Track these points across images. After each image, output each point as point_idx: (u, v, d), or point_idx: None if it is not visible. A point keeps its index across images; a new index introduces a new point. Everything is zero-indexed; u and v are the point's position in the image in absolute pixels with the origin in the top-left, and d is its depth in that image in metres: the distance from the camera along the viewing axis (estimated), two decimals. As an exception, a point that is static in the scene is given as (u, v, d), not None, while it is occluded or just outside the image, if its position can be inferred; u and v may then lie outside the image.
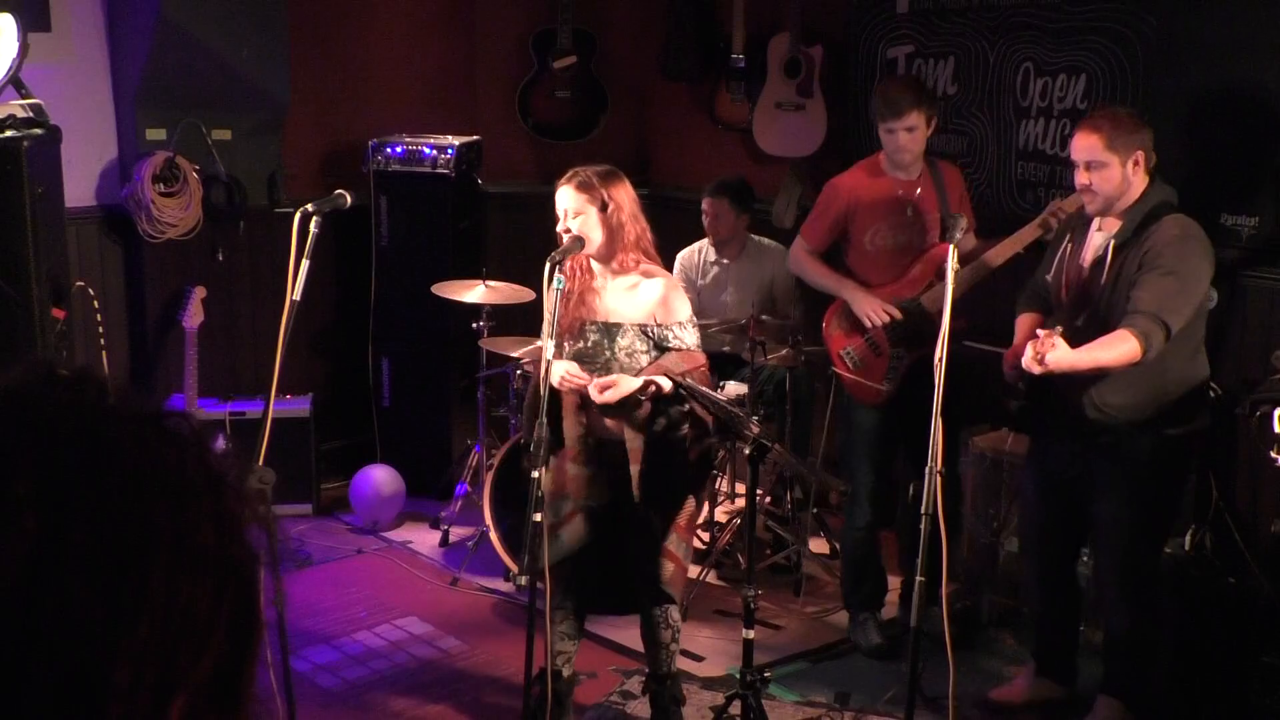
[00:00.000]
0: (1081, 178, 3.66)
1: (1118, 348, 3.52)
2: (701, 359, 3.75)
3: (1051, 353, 3.42)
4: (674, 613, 3.83)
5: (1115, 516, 3.72)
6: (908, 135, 4.23)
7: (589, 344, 3.68)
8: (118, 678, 0.79)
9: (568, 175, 3.72)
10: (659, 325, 3.69)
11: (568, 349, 3.71)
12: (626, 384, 3.59)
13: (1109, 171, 3.61)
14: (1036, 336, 3.51)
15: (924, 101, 4.25)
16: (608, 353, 3.69)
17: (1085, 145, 3.64)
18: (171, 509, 0.82)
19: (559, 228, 3.65)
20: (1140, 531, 3.75)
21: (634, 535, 3.74)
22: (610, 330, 3.68)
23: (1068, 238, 3.87)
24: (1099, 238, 3.75)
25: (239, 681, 0.87)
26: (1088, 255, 3.77)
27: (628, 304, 3.70)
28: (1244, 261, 4.44)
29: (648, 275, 3.72)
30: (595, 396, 3.59)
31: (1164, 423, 3.67)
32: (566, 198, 3.67)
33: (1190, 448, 3.82)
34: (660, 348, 3.70)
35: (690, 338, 3.73)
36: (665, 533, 3.74)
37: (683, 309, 3.74)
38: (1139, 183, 3.66)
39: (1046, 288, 3.93)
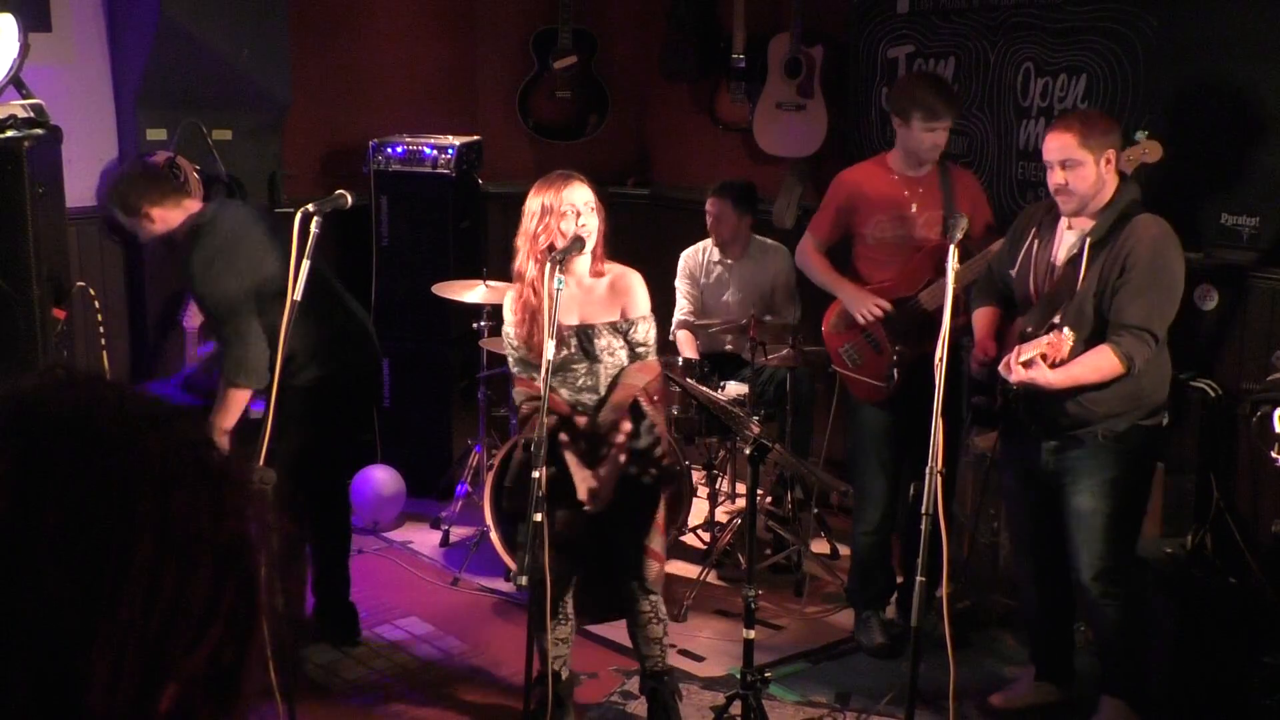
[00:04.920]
0: (1056, 178, 3.66)
1: (1100, 368, 3.56)
2: (657, 366, 3.84)
3: (1036, 372, 3.44)
4: (661, 606, 3.88)
5: (1093, 509, 3.74)
6: (944, 135, 4.33)
7: (570, 349, 3.70)
8: (97, 663, 0.79)
9: (571, 174, 3.72)
10: (626, 320, 3.75)
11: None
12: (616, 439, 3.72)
13: (1084, 170, 3.62)
14: (1023, 336, 3.52)
15: (958, 104, 4.51)
16: (590, 357, 3.73)
17: (1059, 144, 3.65)
18: (158, 498, 0.83)
19: (570, 225, 3.63)
20: (1117, 522, 3.77)
21: (617, 533, 3.79)
22: (586, 333, 3.72)
23: (1032, 233, 3.87)
24: (1071, 236, 3.75)
25: (238, 675, 0.87)
26: (1059, 253, 3.77)
27: (596, 304, 3.74)
28: (1244, 261, 4.44)
29: (610, 272, 3.79)
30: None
31: (1137, 414, 3.70)
32: (586, 194, 3.68)
33: (1160, 437, 3.85)
34: (628, 341, 3.76)
35: (652, 333, 3.80)
36: (646, 531, 3.81)
37: (645, 301, 3.79)
38: (1112, 182, 3.68)
39: (1006, 282, 3.94)
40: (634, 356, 3.78)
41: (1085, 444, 3.71)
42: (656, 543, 3.86)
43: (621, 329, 3.76)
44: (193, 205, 4.11)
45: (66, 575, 0.79)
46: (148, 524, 0.82)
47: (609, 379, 3.74)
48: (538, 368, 3.72)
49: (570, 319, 3.70)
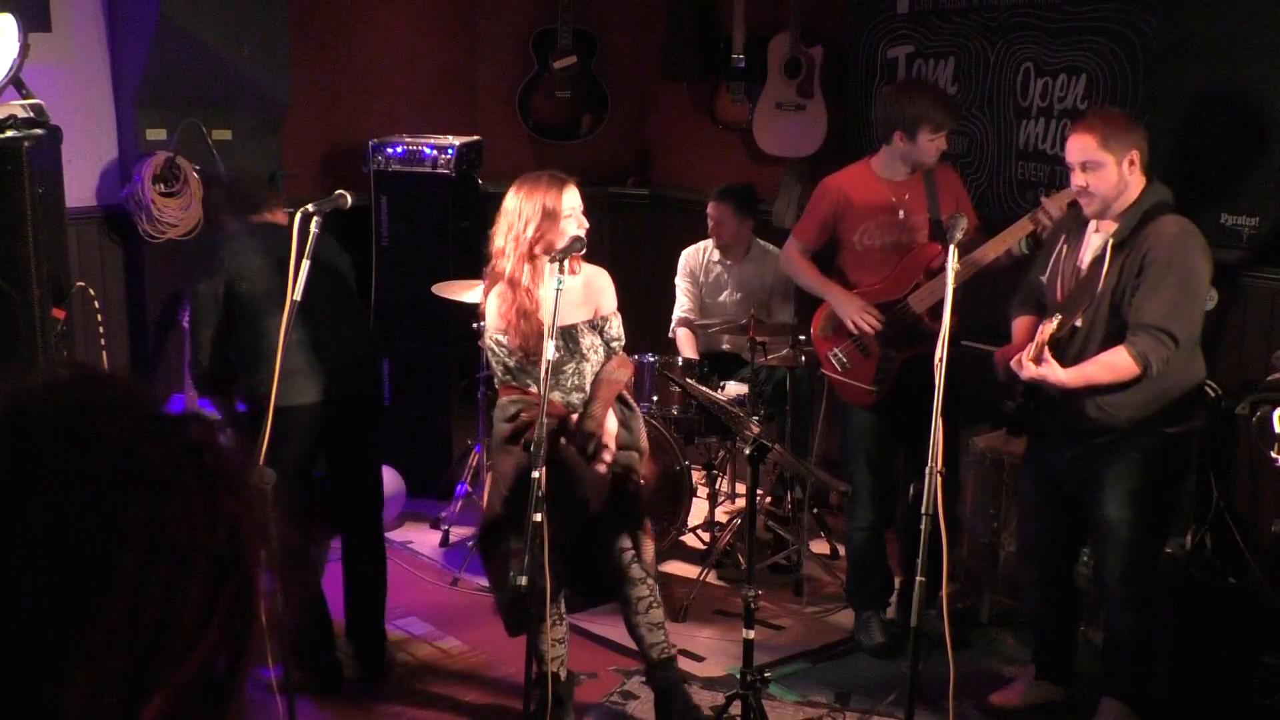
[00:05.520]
0: (1078, 179, 3.65)
1: (1114, 366, 3.54)
2: (630, 365, 3.93)
3: (1047, 369, 3.44)
4: (658, 590, 3.90)
5: (1119, 517, 3.71)
6: (945, 139, 4.31)
7: (559, 351, 3.71)
8: (79, 672, 0.78)
9: (565, 177, 3.77)
10: (601, 317, 3.82)
11: (535, 363, 3.71)
12: (610, 427, 3.76)
13: (1105, 171, 3.60)
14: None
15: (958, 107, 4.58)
16: (576, 356, 3.75)
17: (1080, 146, 3.63)
18: (150, 504, 0.81)
19: (571, 227, 3.68)
20: (1143, 531, 3.75)
21: (614, 521, 3.82)
22: (570, 333, 3.75)
23: (1062, 239, 3.86)
24: (1097, 239, 3.73)
25: (231, 683, 0.86)
26: (1086, 256, 3.75)
27: (575, 304, 3.76)
28: (1244, 261, 4.44)
29: (583, 272, 3.84)
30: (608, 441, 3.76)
31: (1164, 421, 3.67)
32: (578, 197, 3.75)
33: (1189, 445, 3.82)
34: (604, 337, 3.83)
35: (622, 327, 3.89)
36: (642, 514, 3.86)
37: (613, 297, 3.88)
38: (1136, 183, 3.65)
39: (1041, 289, 3.93)
40: (609, 351, 3.83)
41: (1109, 454, 3.69)
42: (648, 526, 3.92)
43: (598, 326, 3.82)
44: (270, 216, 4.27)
45: (46, 582, 0.78)
46: (135, 531, 0.80)
47: (593, 376, 3.79)
48: (529, 373, 3.72)
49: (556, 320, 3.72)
